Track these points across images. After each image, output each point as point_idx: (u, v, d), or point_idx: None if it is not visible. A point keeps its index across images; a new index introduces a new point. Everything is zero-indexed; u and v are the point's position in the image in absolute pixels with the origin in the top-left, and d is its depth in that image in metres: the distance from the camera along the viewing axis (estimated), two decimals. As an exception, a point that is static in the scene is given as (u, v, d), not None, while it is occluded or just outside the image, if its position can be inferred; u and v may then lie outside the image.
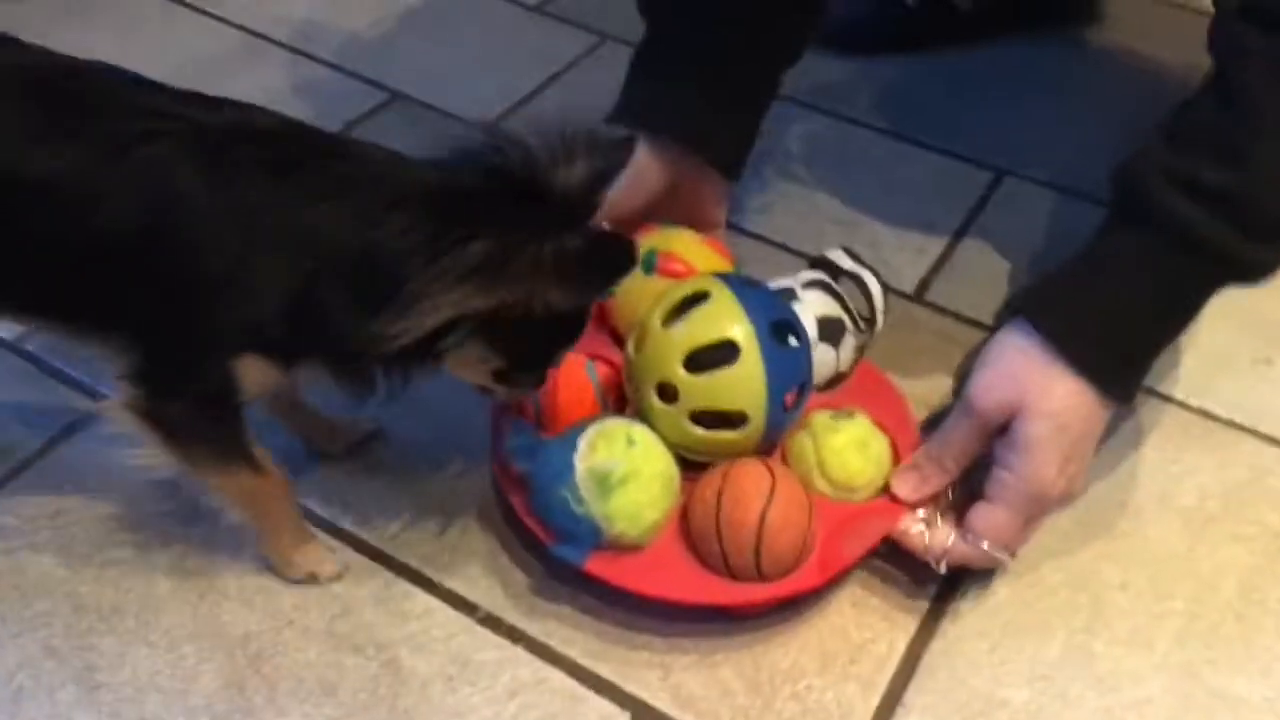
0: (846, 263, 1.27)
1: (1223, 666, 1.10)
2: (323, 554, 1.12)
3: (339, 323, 0.87)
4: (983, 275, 1.53)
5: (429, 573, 1.14)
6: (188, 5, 1.95)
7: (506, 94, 1.79)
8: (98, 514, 1.17)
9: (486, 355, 0.96)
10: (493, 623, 1.10)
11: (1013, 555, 1.10)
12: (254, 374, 0.95)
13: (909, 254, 1.56)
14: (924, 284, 1.52)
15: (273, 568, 1.11)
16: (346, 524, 1.18)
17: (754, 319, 1.06)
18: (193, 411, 0.99)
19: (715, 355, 1.05)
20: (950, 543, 1.09)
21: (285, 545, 1.10)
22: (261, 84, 1.77)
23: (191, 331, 0.94)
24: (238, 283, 0.89)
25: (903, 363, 1.39)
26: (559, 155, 0.85)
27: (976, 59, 1.91)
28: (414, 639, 1.08)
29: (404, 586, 1.13)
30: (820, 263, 1.28)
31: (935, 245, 1.57)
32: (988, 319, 1.46)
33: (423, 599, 1.12)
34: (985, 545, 1.08)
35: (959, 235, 1.59)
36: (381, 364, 0.91)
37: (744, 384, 1.05)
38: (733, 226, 1.58)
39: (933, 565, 1.10)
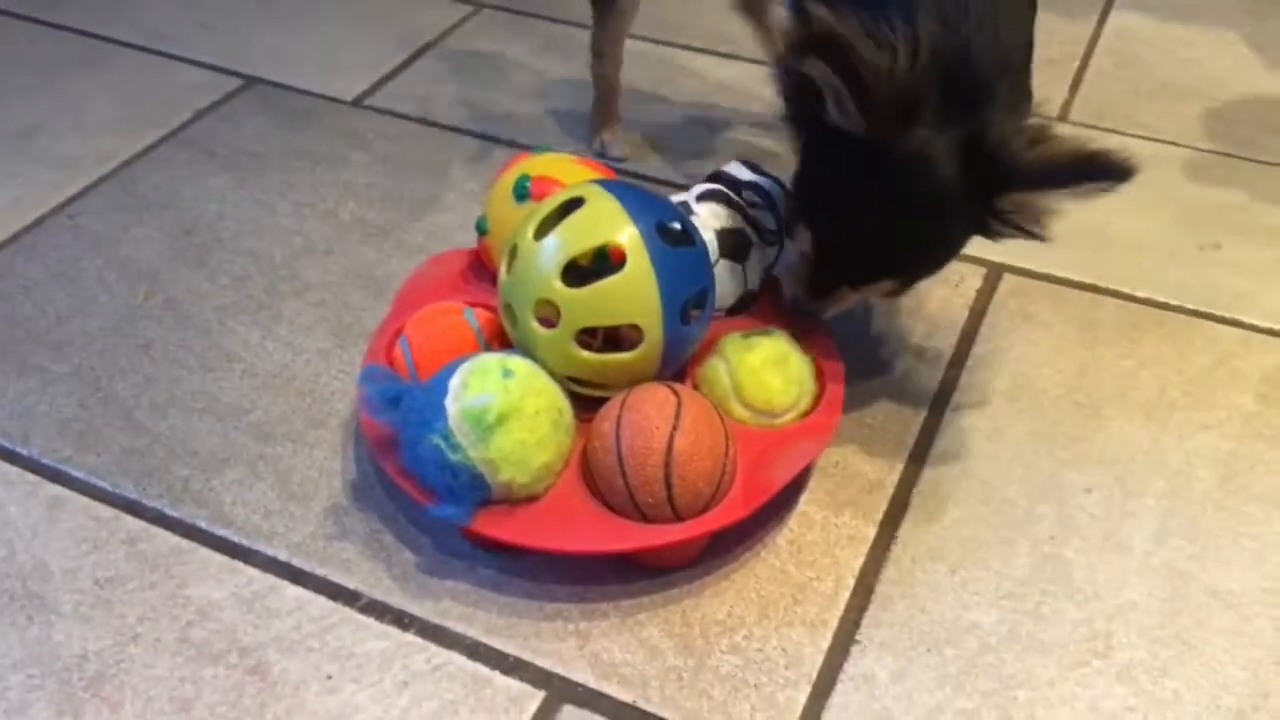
0: (745, 174, 1.14)
1: (1210, 561, 0.98)
2: (621, 137, 1.46)
3: None
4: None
5: (299, 563, 0.98)
6: (18, 15, 1.79)
7: (373, 68, 1.65)
8: (-93, 542, 1.00)
9: None
10: (377, 610, 0.94)
11: None
12: None
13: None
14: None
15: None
16: (201, 522, 1.02)
17: (638, 220, 0.92)
18: None
19: (597, 264, 0.91)
20: None
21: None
22: (106, 83, 1.62)
23: None
24: None
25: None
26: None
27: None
28: (284, 639, 0.92)
29: (270, 581, 0.97)
30: (717, 177, 1.15)
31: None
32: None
33: (293, 593, 0.96)
34: None
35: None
36: None
37: (633, 293, 0.91)
38: (634, 173, 1.45)
39: None
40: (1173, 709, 0.87)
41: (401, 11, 1.81)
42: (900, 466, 1.06)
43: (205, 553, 0.99)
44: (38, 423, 1.11)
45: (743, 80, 1.63)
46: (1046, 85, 1.60)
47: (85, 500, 1.03)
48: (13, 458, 1.07)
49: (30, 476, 1.06)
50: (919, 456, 1.07)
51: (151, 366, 1.17)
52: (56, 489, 1.04)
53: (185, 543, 1.00)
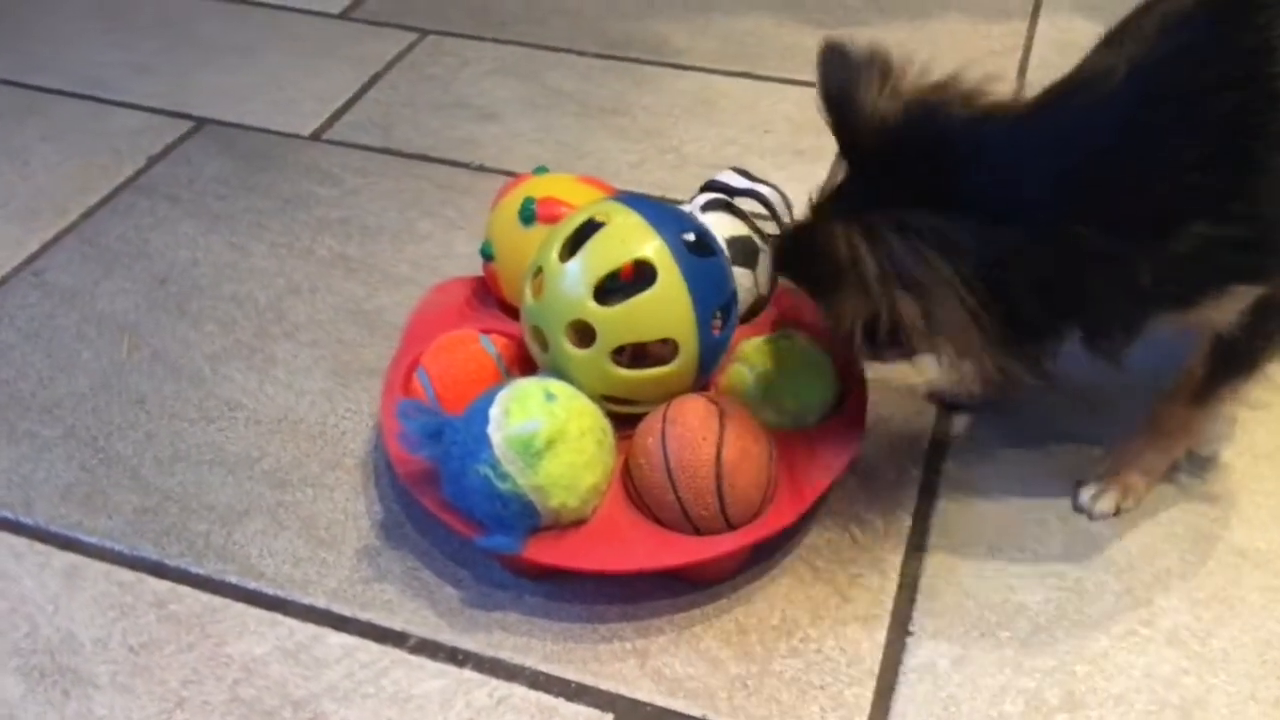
0: (740, 182, 1.15)
1: (1233, 523, 1.01)
2: None
3: None
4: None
5: (339, 609, 0.96)
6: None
7: (325, 101, 1.63)
8: (-83, 627, 0.95)
9: None
10: (428, 648, 0.93)
11: None
12: None
13: (792, 186, 1.45)
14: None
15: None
16: (230, 577, 0.98)
17: (664, 233, 0.92)
18: None
19: (608, 282, 0.91)
20: None
21: None
22: (46, 134, 1.56)
23: None
24: None
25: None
26: None
27: None
28: (337, 687, 0.90)
29: (312, 630, 0.94)
30: (712, 186, 1.15)
31: (819, 171, 1.47)
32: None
33: (338, 640, 0.93)
34: None
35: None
36: None
37: (667, 306, 0.91)
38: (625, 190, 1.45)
39: None
40: (1224, 668, 0.90)
41: (343, 43, 1.79)
42: (922, 457, 1.08)
43: (240, 607, 0.96)
44: (38, 490, 1.06)
45: (696, 88, 1.64)
46: (998, 73, 1.66)
47: (103, 565, 0.99)
48: (17, 528, 1.03)
49: (40, 546, 1.01)
50: (939, 446, 1.09)
51: (149, 422, 1.13)
52: (71, 556, 1.00)
53: (217, 599, 0.97)
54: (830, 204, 0.88)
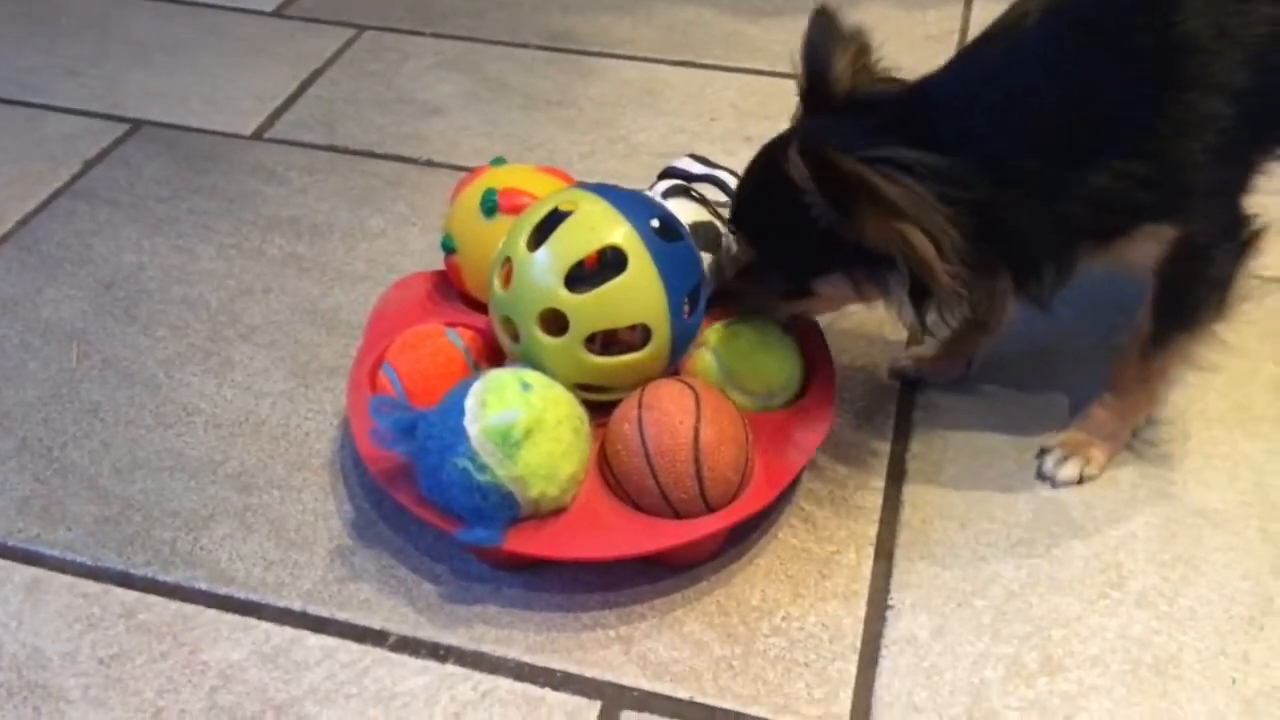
0: (697, 168, 1.16)
1: (1190, 485, 1.04)
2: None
3: None
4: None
5: (315, 610, 0.94)
6: None
7: (263, 100, 1.60)
8: (-128, 651, 0.92)
9: None
10: (409, 646, 0.92)
11: None
12: None
13: (743, 171, 1.46)
14: (767, 196, 1.42)
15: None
16: (200, 583, 0.96)
17: (632, 219, 0.92)
18: None
19: (600, 267, 0.91)
20: None
21: None
22: (-28, 140, 1.52)
23: None
24: None
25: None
26: None
27: None
28: (318, 690, 0.89)
29: (289, 633, 0.93)
30: (669, 173, 1.16)
31: (766, 158, 1.48)
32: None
33: (316, 641, 0.92)
34: None
35: (786, 145, 1.51)
36: None
37: (640, 292, 0.91)
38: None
39: None
40: (1192, 626, 0.92)
41: (278, 40, 1.76)
42: (889, 434, 1.09)
43: (212, 614, 0.94)
44: (-8, 504, 1.03)
45: (641, 78, 1.64)
46: (934, 58, 1.69)
47: (67, 578, 0.97)
48: (-27, 545, 1.00)
49: (-1, 562, 0.98)
50: (904, 423, 1.10)
51: (105, 430, 1.10)
52: (32, 570, 0.97)
53: (188, 607, 0.95)
54: (806, 134, 0.92)
